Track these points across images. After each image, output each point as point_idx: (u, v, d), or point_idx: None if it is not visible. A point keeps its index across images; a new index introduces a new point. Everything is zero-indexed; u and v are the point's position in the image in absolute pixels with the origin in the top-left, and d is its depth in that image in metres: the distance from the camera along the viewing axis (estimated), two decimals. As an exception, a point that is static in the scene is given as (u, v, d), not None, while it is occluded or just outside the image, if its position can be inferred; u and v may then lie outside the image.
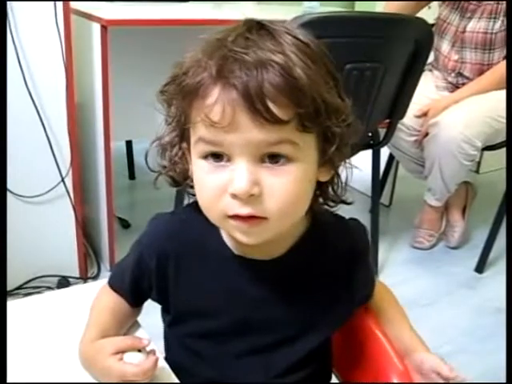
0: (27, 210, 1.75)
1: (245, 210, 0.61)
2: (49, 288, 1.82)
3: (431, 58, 2.30)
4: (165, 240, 0.73)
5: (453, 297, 2.08)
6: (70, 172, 1.77)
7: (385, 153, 2.44)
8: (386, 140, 2.02)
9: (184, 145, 0.69)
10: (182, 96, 0.63)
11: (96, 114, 1.83)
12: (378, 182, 2.21)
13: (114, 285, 0.78)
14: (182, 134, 0.68)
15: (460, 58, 2.26)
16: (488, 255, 2.24)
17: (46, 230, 1.82)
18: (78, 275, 1.92)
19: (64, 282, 1.86)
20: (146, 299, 0.79)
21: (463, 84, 2.27)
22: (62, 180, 1.75)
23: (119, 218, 2.30)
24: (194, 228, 0.73)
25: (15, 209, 1.70)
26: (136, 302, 0.78)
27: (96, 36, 1.71)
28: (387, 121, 1.97)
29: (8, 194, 1.67)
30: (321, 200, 0.72)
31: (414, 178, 2.44)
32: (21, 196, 1.71)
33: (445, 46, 2.30)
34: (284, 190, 0.61)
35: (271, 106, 0.57)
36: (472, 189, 2.49)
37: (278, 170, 0.61)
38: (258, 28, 0.62)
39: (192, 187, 0.70)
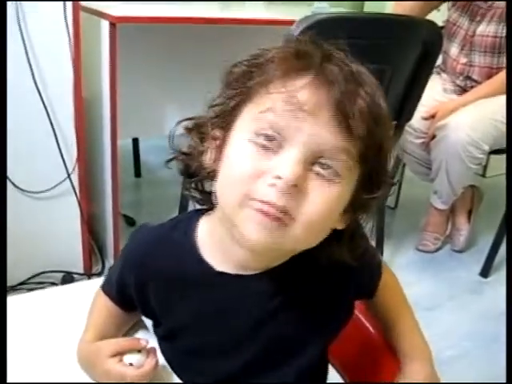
0: (33, 205, 1.75)
1: (281, 202, 0.56)
2: (53, 284, 1.83)
3: (439, 61, 2.29)
4: (142, 258, 0.71)
5: (457, 301, 2.07)
6: (77, 168, 1.77)
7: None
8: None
9: (218, 133, 0.65)
10: (264, 72, 0.60)
11: (103, 111, 1.83)
12: (384, 183, 2.20)
13: (105, 290, 0.77)
14: (227, 118, 0.64)
15: (469, 62, 2.25)
16: (493, 259, 2.23)
17: (51, 225, 1.82)
18: (82, 271, 1.92)
19: (68, 278, 1.86)
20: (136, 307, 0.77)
21: (471, 87, 2.26)
22: (68, 176, 1.75)
23: (124, 216, 2.30)
24: (173, 245, 0.70)
25: (21, 204, 1.70)
26: (129, 308, 0.76)
27: (104, 33, 1.71)
28: (394, 123, 1.96)
29: (14, 189, 1.67)
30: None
31: (421, 181, 2.44)
32: (27, 191, 1.72)
33: (453, 49, 2.30)
34: (324, 199, 0.58)
35: (355, 119, 0.57)
36: (478, 192, 2.49)
37: (324, 179, 0.58)
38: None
39: (196, 189, 0.69)
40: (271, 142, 0.58)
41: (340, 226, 0.65)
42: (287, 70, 0.59)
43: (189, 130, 0.68)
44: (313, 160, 0.58)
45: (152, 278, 0.70)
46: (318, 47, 0.61)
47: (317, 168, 0.58)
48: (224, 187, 0.62)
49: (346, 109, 0.57)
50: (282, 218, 0.57)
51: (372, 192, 0.63)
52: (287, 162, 0.57)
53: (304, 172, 0.57)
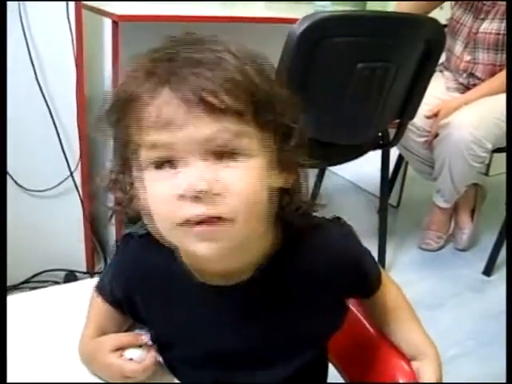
0: (35, 203, 1.75)
1: (207, 210, 0.56)
2: (56, 282, 1.83)
3: (442, 59, 2.29)
4: (128, 272, 0.71)
5: (460, 299, 2.06)
6: (79, 167, 1.77)
7: (394, 153, 2.43)
8: (395, 140, 2.01)
9: (131, 175, 0.63)
10: (123, 112, 0.59)
11: (106, 110, 1.83)
12: (387, 182, 2.21)
13: (100, 293, 0.77)
14: (128, 160, 0.63)
15: (472, 59, 2.24)
16: (496, 258, 2.23)
17: (54, 224, 1.82)
18: (85, 270, 1.92)
19: (71, 277, 1.87)
20: None
21: (474, 85, 2.26)
22: (71, 174, 1.75)
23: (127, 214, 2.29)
24: (156, 255, 0.69)
25: (23, 203, 1.71)
26: (124, 311, 0.75)
27: (107, 31, 1.71)
28: (397, 121, 1.96)
29: (16, 187, 1.68)
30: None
31: (423, 179, 2.43)
32: (29, 190, 1.72)
33: (457, 47, 2.29)
34: (245, 185, 0.57)
35: (221, 95, 0.55)
36: (481, 191, 2.48)
37: (237, 166, 0.57)
38: (189, 35, 0.61)
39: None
40: (173, 164, 0.57)
41: (287, 184, 0.64)
42: (144, 96, 0.57)
43: (115, 183, 0.67)
44: (216, 156, 0.57)
45: (138, 291, 0.70)
46: (165, 55, 0.59)
47: (224, 160, 0.57)
48: (156, 221, 0.61)
49: (212, 100, 0.55)
50: (216, 222, 0.57)
51: (289, 144, 0.62)
52: (192, 176, 0.56)
53: (214, 172, 0.56)
